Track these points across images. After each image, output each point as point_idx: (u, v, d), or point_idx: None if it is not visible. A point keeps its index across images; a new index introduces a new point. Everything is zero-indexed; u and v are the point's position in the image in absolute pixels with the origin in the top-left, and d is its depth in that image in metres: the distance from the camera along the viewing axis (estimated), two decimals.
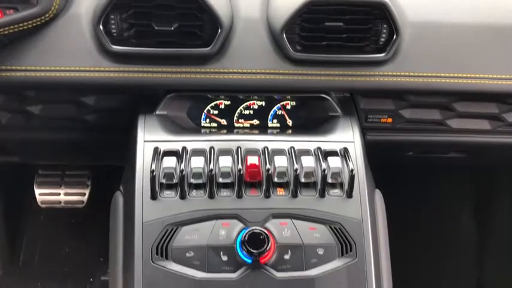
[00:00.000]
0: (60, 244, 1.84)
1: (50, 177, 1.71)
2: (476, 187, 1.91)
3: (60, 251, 1.83)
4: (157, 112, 0.90)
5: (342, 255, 0.78)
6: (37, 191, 1.70)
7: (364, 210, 0.82)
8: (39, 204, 1.71)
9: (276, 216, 0.80)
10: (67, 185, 1.71)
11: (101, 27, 0.83)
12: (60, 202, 1.72)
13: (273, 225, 0.79)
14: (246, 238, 0.75)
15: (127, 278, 0.77)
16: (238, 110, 0.96)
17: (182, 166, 0.80)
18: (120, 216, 0.83)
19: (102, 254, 1.83)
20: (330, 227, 0.80)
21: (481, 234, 1.89)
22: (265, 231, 0.76)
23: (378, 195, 0.90)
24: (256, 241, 0.75)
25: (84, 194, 1.72)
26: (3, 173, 1.70)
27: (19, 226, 1.83)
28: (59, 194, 1.71)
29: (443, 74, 0.92)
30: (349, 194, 0.83)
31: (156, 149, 0.83)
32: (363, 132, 0.97)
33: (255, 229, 0.76)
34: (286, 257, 0.77)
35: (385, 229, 0.86)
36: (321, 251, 0.78)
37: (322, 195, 0.82)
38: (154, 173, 0.79)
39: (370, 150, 0.95)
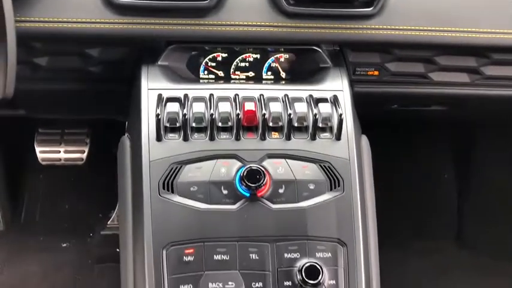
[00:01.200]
0: (60, 201, 1.91)
1: (50, 135, 1.77)
2: (457, 144, 2.00)
3: (60, 208, 1.90)
4: (159, 63, 0.96)
5: (331, 189, 0.86)
6: (38, 149, 1.76)
7: (351, 150, 0.90)
8: (40, 161, 1.77)
9: (271, 156, 0.88)
10: (67, 143, 1.77)
11: None
12: (60, 159, 1.78)
13: (268, 164, 0.87)
14: (244, 174, 0.83)
15: (136, 211, 0.84)
16: (234, 63, 1.02)
17: (185, 111, 0.87)
18: (127, 157, 0.90)
19: (101, 210, 1.91)
20: (320, 166, 0.88)
21: (461, 189, 1.99)
22: (262, 168, 0.84)
23: (364, 139, 0.97)
24: (253, 177, 0.82)
25: (83, 152, 1.78)
26: (4, 131, 1.75)
27: (20, 183, 1.90)
28: (58, 152, 1.77)
29: (428, 28, 0.99)
30: (338, 137, 0.90)
31: (159, 96, 0.90)
32: (351, 84, 1.04)
33: (253, 166, 0.84)
34: (281, 191, 0.85)
35: (370, 168, 0.94)
36: (312, 186, 0.86)
37: (313, 138, 0.90)
38: (159, 117, 0.86)
39: (358, 102, 1.02)
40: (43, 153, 1.77)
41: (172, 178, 0.84)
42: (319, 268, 0.77)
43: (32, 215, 1.89)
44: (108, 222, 1.87)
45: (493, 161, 1.93)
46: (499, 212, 1.90)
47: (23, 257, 1.79)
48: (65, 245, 1.84)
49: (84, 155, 1.79)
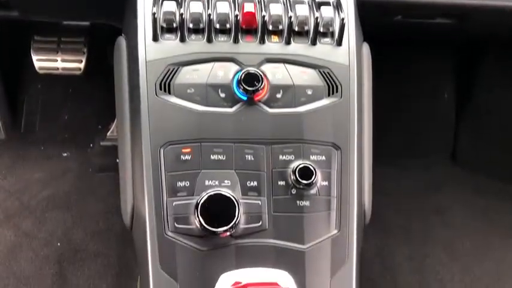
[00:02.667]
0: (59, 111, 1.91)
1: (46, 43, 1.74)
2: (460, 65, 1.97)
3: (59, 118, 1.91)
4: None
5: (329, 95, 0.86)
6: (34, 57, 1.74)
7: (352, 57, 0.88)
8: (37, 70, 1.75)
9: (270, 60, 0.86)
10: (63, 52, 1.75)
11: None
12: (57, 68, 1.76)
13: (266, 68, 0.86)
14: (242, 77, 0.82)
15: (133, 112, 0.84)
16: None
17: (181, 11, 0.84)
18: (124, 57, 0.88)
19: (100, 122, 1.92)
20: (319, 71, 0.87)
21: (460, 110, 1.99)
22: (260, 72, 0.83)
23: (365, 46, 0.95)
24: (251, 80, 0.82)
25: (81, 61, 1.76)
26: (0, 39, 1.72)
27: (19, 92, 1.89)
28: (56, 61, 1.75)
29: None
30: (339, 43, 0.88)
31: None
32: None
33: (251, 70, 0.83)
34: (278, 95, 0.84)
35: (369, 76, 0.93)
36: (309, 91, 0.85)
37: (313, 43, 0.88)
38: (156, 16, 0.84)
39: (361, 12, 0.99)
40: (40, 61, 1.74)
41: (169, 79, 0.83)
42: (313, 169, 0.78)
43: (31, 125, 1.90)
44: (108, 134, 1.89)
45: (494, 83, 1.91)
46: (497, 134, 1.92)
47: (25, 165, 1.83)
48: (65, 154, 1.88)
49: (82, 65, 1.77)
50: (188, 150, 0.80)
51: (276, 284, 0.70)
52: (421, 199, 1.90)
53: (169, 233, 0.77)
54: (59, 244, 1.61)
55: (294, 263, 0.77)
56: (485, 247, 1.75)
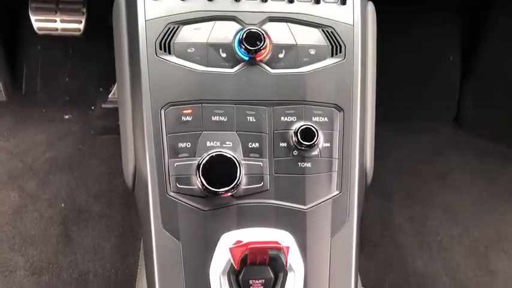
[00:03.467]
0: (60, 73, 1.89)
1: (44, 2, 1.70)
2: (467, 28, 1.94)
3: (60, 80, 1.89)
4: None
5: (332, 55, 0.84)
6: (32, 18, 1.70)
7: (356, 16, 0.86)
8: (36, 30, 1.72)
9: (272, 19, 0.84)
10: (62, 12, 1.71)
11: None
12: (57, 29, 1.73)
13: (269, 27, 0.84)
14: (243, 37, 0.80)
15: (133, 72, 0.83)
16: None
17: None
18: (123, 16, 0.86)
19: (101, 84, 1.91)
20: (323, 31, 0.85)
21: (465, 72, 1.97)
22: (262, 32, 0.81)
23: (370, 5, 0.93)
24: (253, 40, 0.80)
25: (80, 22, 1.73)
26: None
27: (18, 54, 1.87)
28: (54, 21, 1.71)
29: None
30: (343, 1, 0.86)
31: None
32: None
33: (252, 29, 0.81)
34: (281, 55, 0.83)
35: (374, 36, 0.91)
36: (312, 51, 0.83)
37: (317, 1, 0.86)
38: None
39: None
40: (38, 22, 1.71)
41: (169, 38, 0.82)
42: (315, 131, 0.78)
43: (32, 87, 1.89)
44: (109, 96, 1.88)
45: (501, 45, 1.88)
46: (502, 97, 1.90)
47: (27, 127, 1.83)
48: (67, 116, 1.87)
49: (82, 26, 1.74)
50: (189, 111, 0.79)
51: (276, 242, 0.71)
52: (422, 162, 1.90)
53: (171, 193, 0.77)
54: (62, 205, 1.63)
55: (295, 223, 0.77)
56: (486, 210, 1.77)
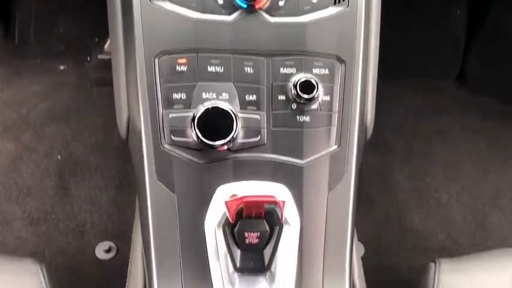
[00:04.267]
0: (53, 23, 1.84)
1: None
2: None
3: (54, 30, 1.84)
4: None
5: (335, 3, 0.80)
6: None
7: None
8: None
9: None
10: None
11: None
12: None
13: None
14: None
15: (126, 18, 0.79)
16: None
17: None
18: None
19: (97, 34, 1.85)
20: None
21: (471, 28, 1.91)
22: None
23: None
24: None
25: None
26: None
27: (11, 3, 1.81)
28: None
29: None
30: None
31: None
32: None
33: None
34: (281, 3, 0.79)
35: None
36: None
37: None
38: None
39: None
40: None
41: None
42: (315, 83, 0.75)
43: (26, 37, 1.84)
44: (105, 46, 1.83)
45: (508, 9, 1.82)
46: (508, 55, 1.85)
47: (21, 78, 1.80)
48: (62, 67, 1.83)
49: None
50: (184, 60, 0.76)
51: (272, 196, 0.69)
52: (424, 120, 1.88)
53: (166, 146, 0.75)
54: (59, 157, 1.62)
55: (292, 177, 0.76)
56: (485, 169, 1.76)
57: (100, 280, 1.40)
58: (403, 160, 1.75)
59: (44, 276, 0.84)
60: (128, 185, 1.56)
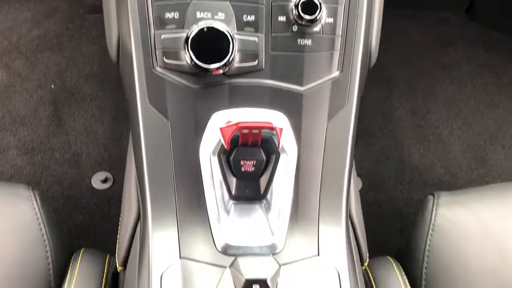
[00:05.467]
0: None
1: None
2: None
3: None
4: None
5: None
6: None
7: None
8: None
9: None
10: None
11: None
12: None
13: None
14: None
15: None
16: None
17: None
18: None
19: None
20: None
21: None
22: None
23: None
24: None
25: None
26: None
27: None
28: None
29: None
30: None
31: None
32: None
33: None
34: None
35: None
36: None
37: None
38: None
39: None
40: None
41: None
42: (318, 4, 0.69)
43: None
44: None
45: None
46: None
47: (11, 3, 1.72)
48: None
49: None
50: None
51: (269, 123, 0.66)
52: (429, 54, 1.82)
53: (158, 69, 0.71)
54: (52, 86, 1.57)
55: (290, 104, 0.72)
56: (489, 105, 1.72)
57: (96, 209, 1.40)
58: (405, 95, 1.71)
59: (36, 202, 0.83)
60: (124, 115, 1.53)
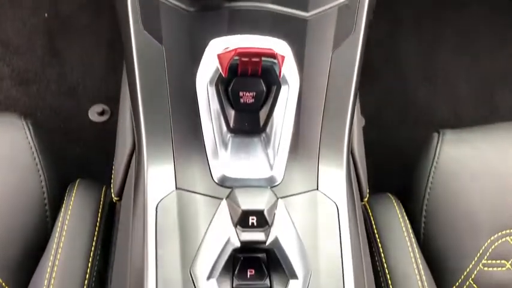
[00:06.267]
0: None
1: None
2: None
3: None
4: None
5: None
6: None
7: None
8: None
9: None
10: None
11: None
12: None
13: None
14: None
15: None
16: None
17: None
18: None
19: None
20: None
21: None
22: None
23: None
24: None
25: None
26: None
27: None
28: None
29: None
30: None
31: None
32: None
33: None
34: None
35: None
36: None
37: None
38: None
39: None
40: None
41: None
42: None
43: None
44: None
45: None
46: None
47: None
48: None
49: None
50: None
51: (270, 49, 0.62)
52: None
53: None
54: (46, 15, 1.51)
55: (294, 31, 0.68)
56: (500, 43, 1.66)
57: (93, 142, 1.38)
58: (413, 31, 1.64)
59: (29, 131, 0.81)
60: (121, 47, 1.48)
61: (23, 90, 1.42)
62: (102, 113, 1.41)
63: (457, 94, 1.57)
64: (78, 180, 0.85)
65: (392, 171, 1.38)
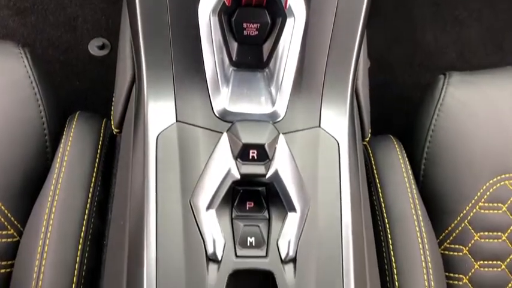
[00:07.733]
0: None
1: None
2: None
3: None
4: None
5: None
6: None
7: None
8: None
9: None
10: None
11: None
12: None
13: None
14: None
15: None
16: None
17: None
18: None
19: None
20: None
21: None
22: None
23: None
24: None
25: None
26: None
27: None
28: None
29: None
30: None
31: None
32: None
33: None
34: None
35: None
36: None
37: None
38: None
39: None
40: None
41: None
42: None
43: None
44: None
45: None
46: None
47: None
48: None
49: None
50: None
51: None
52: None
53: None
54: None
55: None
56: None
57: (92, 76, 1.36)
58: None
59: (27, 59, 0.79)
60: None
61: (20, 20, 1.38)
62: (102, 47, 1.37)
63: (465, 38, 1.53)
64: (78, 113, 0.84)
65: (397, 114, 1.37)
